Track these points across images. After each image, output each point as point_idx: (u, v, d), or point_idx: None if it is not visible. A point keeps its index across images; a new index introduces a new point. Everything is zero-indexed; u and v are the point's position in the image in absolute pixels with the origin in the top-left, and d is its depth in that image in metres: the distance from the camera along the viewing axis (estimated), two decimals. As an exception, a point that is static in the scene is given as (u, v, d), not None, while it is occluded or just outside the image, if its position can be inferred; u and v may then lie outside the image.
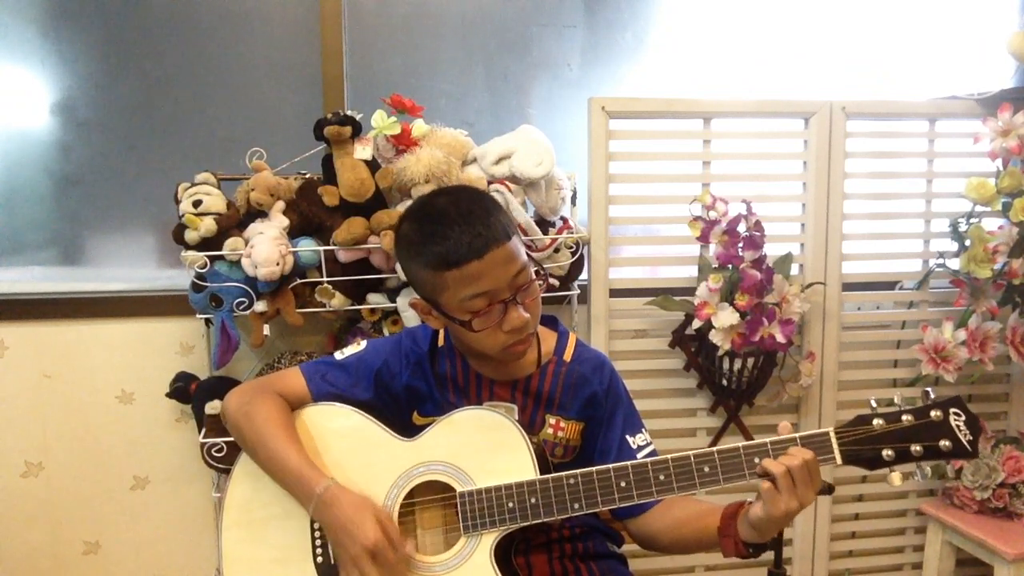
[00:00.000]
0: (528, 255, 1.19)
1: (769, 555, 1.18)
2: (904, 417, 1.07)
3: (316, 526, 1.19)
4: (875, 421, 1.07)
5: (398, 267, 1.66)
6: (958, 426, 1.06)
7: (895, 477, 1.07)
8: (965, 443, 1.05)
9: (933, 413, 1.06)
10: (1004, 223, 1.90)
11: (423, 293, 1.20)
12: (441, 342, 1.31)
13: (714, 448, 1.10)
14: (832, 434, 1.07)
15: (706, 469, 1.10)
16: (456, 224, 1.12)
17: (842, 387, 2.03)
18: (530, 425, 1.27)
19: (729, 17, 2.18)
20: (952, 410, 1.06)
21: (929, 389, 1.10)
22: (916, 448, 1.06)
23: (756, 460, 1.08)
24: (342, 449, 1.21)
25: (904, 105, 2.01)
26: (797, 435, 1.08)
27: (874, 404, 1.10)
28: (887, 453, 1.06)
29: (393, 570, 1.09)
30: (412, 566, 1.14)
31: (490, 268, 1.11)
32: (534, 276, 1.18)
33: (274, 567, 1.19)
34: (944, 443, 1.05)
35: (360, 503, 1.12)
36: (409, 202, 1.71)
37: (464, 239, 1.11)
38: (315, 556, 1.18)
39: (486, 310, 1.13)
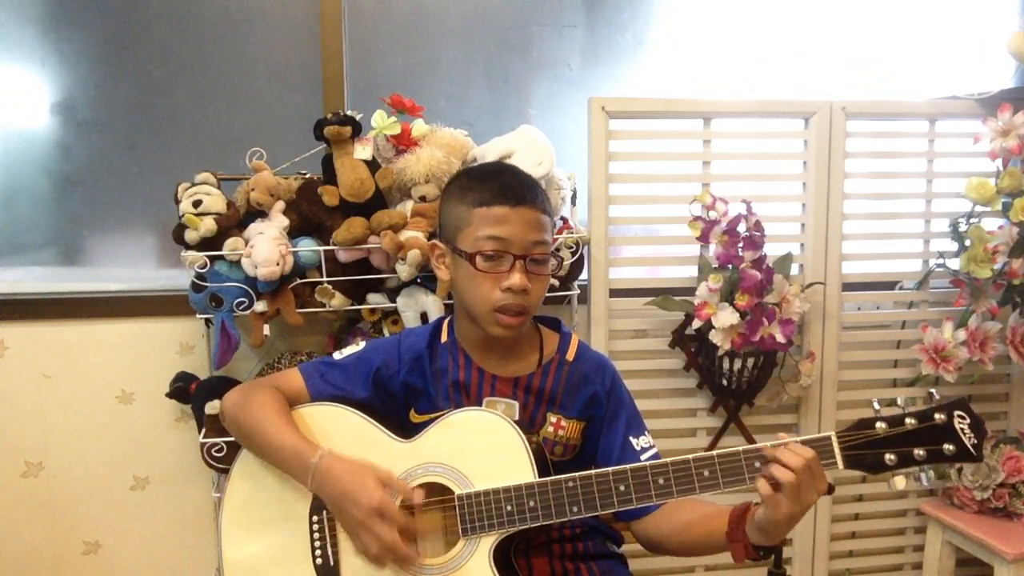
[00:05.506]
0: (554, 251, 1.25)
1: (769, 555, 1.18)
2: (907, 420, 1.03)
3: (315, 527, 1.19)
4: (878, 424, 1.04)
5: (398, 266, 1.66)
6: (962, 429, 1.02)
7: (898, 481, 1.05)
8: (969, 447, 1.02)
9: (937, 416, 1.03)
10: (1004, 223, 1.90)
11: (447, 232, 1.25)
12: (444, 338, 1.32)
13: (714, 452, 1.09)
14: (834, 438, 1.05)
15: (706, 473, 1.09)
16: (506, 177, 1.22)
17: (842, 387, 2.03)
18: (531, 423, 1.27)
19: (729, 17, 2.17)
20: (956, 413, 1.03)
21: (933, 391, 1.08)
22: (919, 452, 1.03)
23: (756, 464, 1.06)
24: (339, 450, 1.21)
25: (904, 105, 2.01)
26: (798, 439, 1.05)
27: (877, 406, 1.08)
28: (889, 457, 1.03)
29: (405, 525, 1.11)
30: (411, 567, 1.14)
31: (516, 220, 1.18)
32: (550, 263, 1.23)
33: (273, 568, 1.19)
34: (948, 447, 1.02)
35: (357, 467, 1.13)
36: (409, 202, 1.71)
37: (506, 189, 1.19)
38: (314, 557, 1.18)
39: (494, 257, 1.17)
